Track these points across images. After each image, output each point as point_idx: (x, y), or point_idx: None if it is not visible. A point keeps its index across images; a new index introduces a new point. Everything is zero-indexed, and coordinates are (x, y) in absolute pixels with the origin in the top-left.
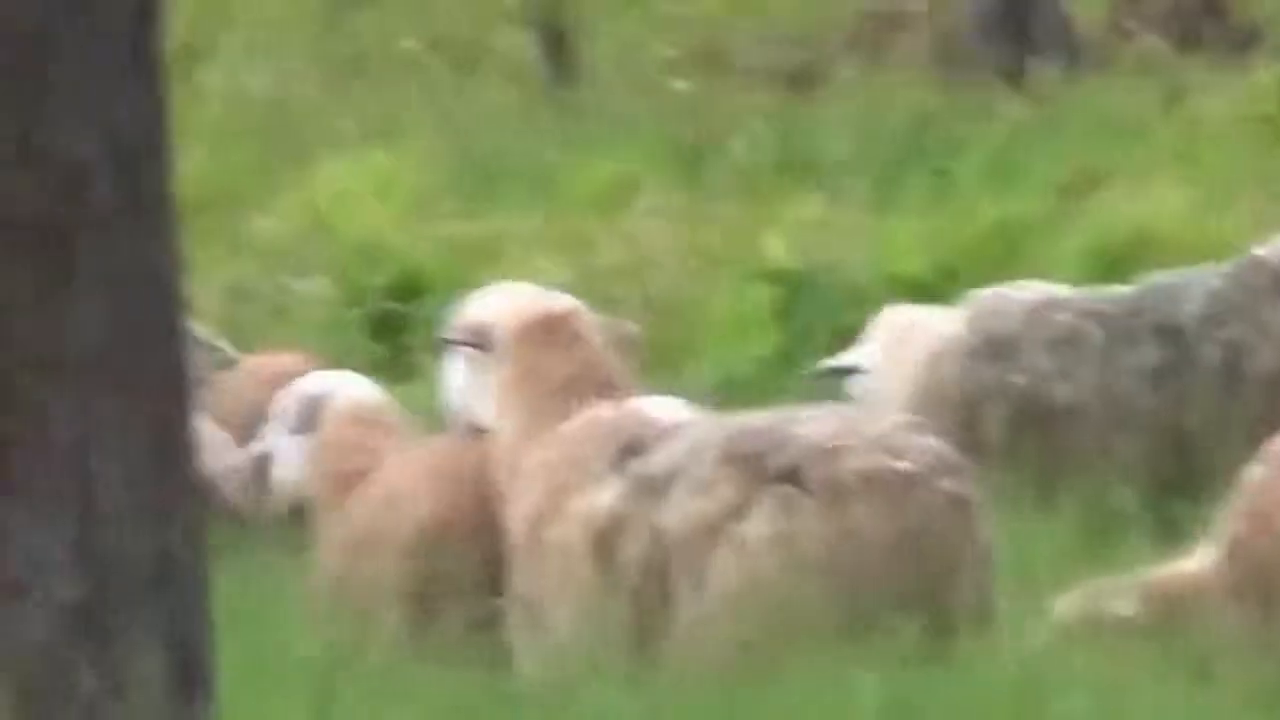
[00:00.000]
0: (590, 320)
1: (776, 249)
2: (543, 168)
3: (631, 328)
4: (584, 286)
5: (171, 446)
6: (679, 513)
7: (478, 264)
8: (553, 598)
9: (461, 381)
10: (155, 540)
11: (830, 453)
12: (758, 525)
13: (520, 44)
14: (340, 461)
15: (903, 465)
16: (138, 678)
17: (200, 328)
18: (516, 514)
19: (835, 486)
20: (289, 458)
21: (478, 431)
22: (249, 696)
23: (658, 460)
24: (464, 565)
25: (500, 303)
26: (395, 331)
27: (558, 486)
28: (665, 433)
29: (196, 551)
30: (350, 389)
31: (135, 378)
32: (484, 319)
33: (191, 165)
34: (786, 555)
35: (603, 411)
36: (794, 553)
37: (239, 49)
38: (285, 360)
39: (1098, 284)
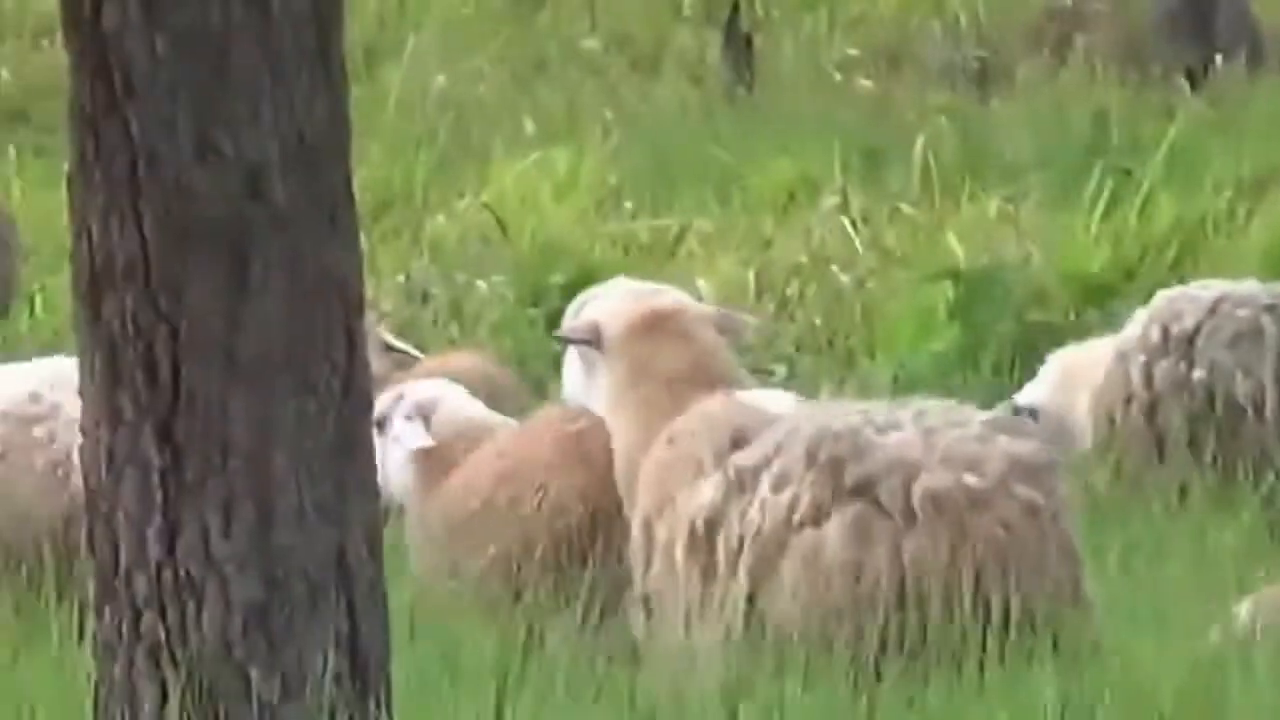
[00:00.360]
0: (699, 314)
1: (956, 247)
2: (723, 167)
3: (749, 318)
4: (763, 285)
5: (349, 447)
6: (761, 508)
7: (657, 263)
8: (665, 594)
9: (579, 377)
10: (331, 541)
11: (906, 467)
12: (832, 545)
13: (701, 44)
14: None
15: (974, 481)
16: (313, 678)
17: (383, 328)
18: (635, 516)
19: (906, 509)
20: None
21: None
22: (426, 696)
23: (751, 455)
24: (593, 538)
25: (609, 302)
26: None
27: (670, 484)
28: (768, 425)
29: (372, 552)
30: (454, 400)
31: (313, 378)
32: (594, 318)
33: (373, 165)
34: (857, 576)
35: (712, 405)
36: (866, 575)
37: (422, 49)
38: (464, 359)
39: (1279, 281)
